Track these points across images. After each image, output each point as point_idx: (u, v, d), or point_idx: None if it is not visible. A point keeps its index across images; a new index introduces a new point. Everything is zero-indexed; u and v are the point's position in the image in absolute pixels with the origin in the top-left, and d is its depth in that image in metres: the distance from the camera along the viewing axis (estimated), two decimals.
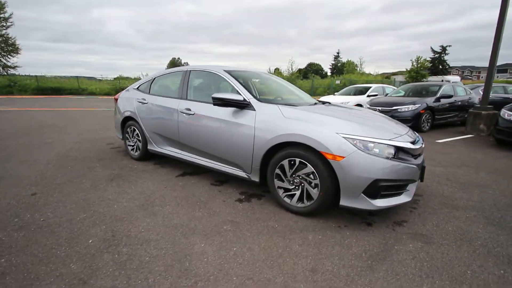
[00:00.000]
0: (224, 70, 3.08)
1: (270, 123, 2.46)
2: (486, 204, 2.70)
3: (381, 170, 2.04)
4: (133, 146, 4.07)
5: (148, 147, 3.79)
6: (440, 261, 1.80)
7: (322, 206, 2.25)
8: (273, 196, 2.58)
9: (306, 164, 2.25)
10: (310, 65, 70.53)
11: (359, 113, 2.83)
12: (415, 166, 2.21)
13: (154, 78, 3.87)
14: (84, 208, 2.48)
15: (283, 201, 2.48)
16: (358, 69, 43.42)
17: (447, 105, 7.50)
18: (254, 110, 2.61)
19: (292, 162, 2.35)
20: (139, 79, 27.06)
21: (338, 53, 63.71)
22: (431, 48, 50.36)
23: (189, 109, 3.11)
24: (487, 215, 2.46)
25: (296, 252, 1.87)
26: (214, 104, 2.73)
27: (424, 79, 30.54)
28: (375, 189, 2.06)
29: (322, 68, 66.93)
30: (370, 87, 10.09)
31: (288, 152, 2.34)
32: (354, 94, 10.22)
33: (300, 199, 2.37)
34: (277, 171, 2.46)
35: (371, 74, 39.97)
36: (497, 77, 55.04)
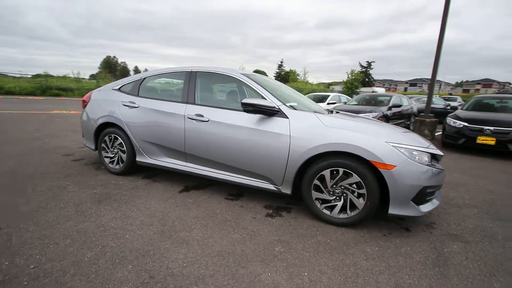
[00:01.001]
0: (242, 74, 2.83)
1: (309, 131, 2.32)
2: (478, 201, 3.09)
3: (427, 177, 2.12)
4: (112, 158, 3.40)
5: (137, 159, 3.21)
6: (488, 258, 1.94)
7: (368, 216, 2.22)
8: (308, 208, 2.44)
9: (352, 174, 2.19)
10: (257, 72, 72.75)
11: (379, 122, 2.93)
12: (444, 171, 2.37)
13: (144, 78, 3.32)
14: (86, 243, 1.91)
15: (321, 213, 2.36)
16: (301, 78, 46.46)
17: (397, 113, 8.54)
18: (287, 117, 2.44)
19: (335, 172, 2.26)
20: (67, 77, 23.58)
21: (281, 62, 66.97)
22: (359, 63, 57.37)
23: (201, 115, 2.74)
24: (486, 211, 2.80)
25: (368, 269, 1.77)
26: (244, 111, 2.46)
27: (357, 90, 34.47)
28: (422, 195, 2.13)
29: (268, 76, 69.82)
30: (329, 95, 10.83)
31: (332, 162, 2.24)
32: (317, 101, 10.81)
33: (342, 210, 2.30)
34: (316, 182, 2.33)
35: (312, 83, 43.21)
36: (409, 90, 66.37)
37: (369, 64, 58.51)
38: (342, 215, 2.29)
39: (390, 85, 70.42)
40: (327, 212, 2.34)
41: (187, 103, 2.89)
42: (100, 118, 3.34)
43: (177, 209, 2.53)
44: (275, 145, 2.42)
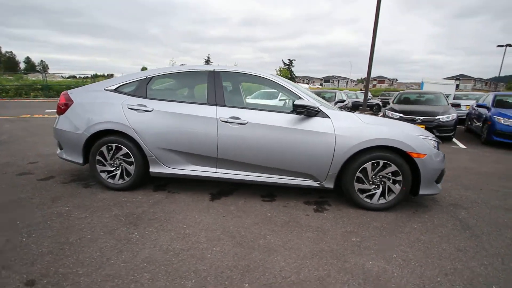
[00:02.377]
0: (271, 74, 2.82)
1: (353, 129, 2.55)
2: (472, 196, 3.92)
3: (442, 160, 2.64)
4: (112, 172, 2.88)
5: (152, 170, 2.82)
6: (487, 218, 2.57)
7: (402, 199, 2.62)
8: (351, 199, 2.67)
9: (390, 164, 2.53)
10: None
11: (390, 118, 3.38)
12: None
13: (152, 77, 2.90)
14: (171, 273, 1.65)
15: (363, 202, 2.63)
16: None
17: (341, 108, 9.76)
18: (328, 117, 2.60)
19: (375, 164, 2.56)
20: None
21: (208, 57, 65.90)
22: (282, 60, 61.65)
23: (237, 118, 2.62)
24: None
25: (430, 241, 2.12)
26: (297, 112, 2.49)
27: None
28: (441, 176, 2.64)
29: None
30: (280, 92, 11.41)
31: (374, 155, 2.53)
32: (268, 98, 11.22)
33: (381, 196, 2.63)
34: (359, 174, 2.59)
35: None
36: (323, 85, 75.14)
37: (291, 62, 63.52)
38: (381, 201, 2.63)
39: (309, 81, 78.35)
40: (368, 200, 2.64)
41: (216, 105, 2.71)
42: (94, 126, 2.76)
43: (228, 218, 2.40)
44: (321, 143, 2.56)
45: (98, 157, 2.85)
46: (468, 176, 3.86)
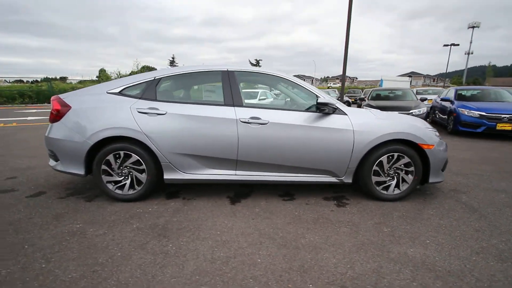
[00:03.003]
0: (287, 74, 2.81)
1: (370, 125, 2.65)
2: (463, 181, 4.27)
3: (446, 150, 2.87)
4: (120, 182, 2.65)
5: (166, 177, 2.65)
6: (485, 201, 2.85)
7: (414, 188, 2.79)
8: (368, 192, 2.78)
9: (404, 156, 2.69)
10: (145, 68, 66.45)
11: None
12: None
13: (160, 78, 2.71)
14: (227, 282, 1.57)
15: (380, 194, 2.76)
16: None
17: None
18: (345, 114, 2.68)
19: (390, 157, 2.70)
20: None
21: (173, 58, 63.76)
22: (249, 60, 62.05)
23: (258, 118, 2.58)
24: (477, 185, 3.96)
25: (450, 225, 2.29)
26: (320, 110, 2.52)
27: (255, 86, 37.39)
28: (445, 165, 2.87)
29: None
30: (258, 92, 11.45)
31: (389, 148, 2.66)
32: (246, 99, 11.20)
33: (396, 187, 2.78)
34: (375, 167, 2.71)
35: None
36: None
37: (258, 61, 64.26)
38: (395, 192, 2.78)
39: None
40: (384, 191, 2.77)
41: (233, 105, 2.63)
42: (99, 133, 2.52)
43: (258, 220, 2.35)
44: (341, 140, 2.62)
45: (103, 167, 2.60)
46: (453, 163, 4.25)
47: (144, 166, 2.62)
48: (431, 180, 2.78)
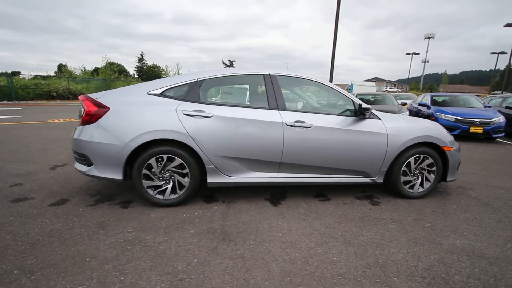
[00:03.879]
0: (324, 80, 2.93)
1: (401, 129, 2.87)
2: (463, 179, 4.71)
3: (459, 151, 3.20)
4: (161, 186, 2.56)
5: (210, 180, 2.61)
6: (492, 197, 3.24)
7: (435, 186, 3.08)
8: (396, 191, 3.00)
9: (428, 157, 2.96)
10: (111, 64, 62.60)
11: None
12: None
13: (203, 80, 2.65)
14: (323, 283, 1.63)
15: (407, 192, 3.00)
16: (173, 73, 43.99)
17: None
18: (379, 118, 2.87)
19: (417, 158, 2.95)
20: None
21: (142, 55, 60.80)
22: (222, 61, 61.60)
23: (302, 121, 2.66)
24: (477, 182, 4.38)
25: (479, 218, 2.58)
26: (362, 115, 2.66)
27: None
28: (459, 164, 3.20)
29: (126, 70, 61.48)
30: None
31: (417, 150, 2.91)
32: None
33: (420, 185, 3.04)
34: (404, 168, 2.94)
35: None
36: None
37: (231, 62, 64.05)
38: (419, 190, 3.04)
39: None
40: (410, 190, 3.02)
41: (278, 109, 2.68)
42: (143, 135, 2.40)
43: (309, 221, 2.43)
44: (376, 143, 2.81)
45: (144, 171, 2.49)
46: None
47: (187, 170, 2.55)
48: (448, 179, 3.09)
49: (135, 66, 58.79)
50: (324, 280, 1.65)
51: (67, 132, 6.43)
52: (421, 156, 2.95)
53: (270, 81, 2.76)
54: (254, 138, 2.60)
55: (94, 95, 2.59)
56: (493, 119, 6.91)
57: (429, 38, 56.97)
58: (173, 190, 2.60)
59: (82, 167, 2.56)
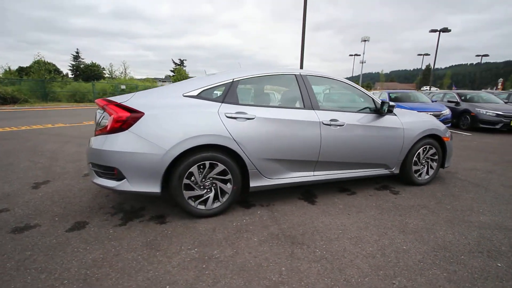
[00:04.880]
0: (346, 79, 3.05)
1: (414, 123, 3.17)
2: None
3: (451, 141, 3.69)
4: (203, 195, 2.37)
5: (252, 185, 2.51)
6: (486, 183, 3.81)
7: (437, 173, 3.49)
8: (408, 180, 3.31)
9: (432, 148, 3.34)
10: (38, 62, 54.38)
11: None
12: None
13: (239, 81, 2.51)
14: (411, 269, 1.72)
15: (416, 180, 3.33)
16: (120, 74, 39.99)
17: None
18: (395, 114, 3.13)
19: (425, 149, 3.30)
20: None
21: (78, 52, 54.29)
22: (172, 60, 58.97)
23: (336, 120, 2.74)
24: (457, 167, 4.97)
25: (484, 201, 3.02)
26: (388, 112, 2.85)
27: None
28: (452, 153, 3.68)
29: (58, 69, 53.93)
30: None
31: (425, 142, 3.26)
32: None
33: (427, 173, 3.41)
34: (415, 158, 3.26)
35: (134, 78, 39.21)
36: None
37: (182, 61, 61.60)
38: (425, 177, 3.41)
39: None
40: (419, 178, 3.36)
41: (312, 109, 2.71)
42: (185, 142, 2.18)
43: (353, 215, 2.52)
44: (395, 136, 3.06)
45: (185, 181, 2.27)
46: None
47: (229, 176, 2.41)
48: (446, 165, 3.54)
49: (70, 64, 52.09)
50: (412, 268, 1.75)
51: (22, 143, 5.42)
52: (427, 147, 3.31)
53: (302, 81, 2.78)
54: (295, 138, 2.59)
55: (117, 99, 2.26)
56: (442, 112, 8.08)
57: (365, 41, 63.30)
58: (216, 199, 2.43)
59: (110, 182, 2.21)
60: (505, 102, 9.11)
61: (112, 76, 36.62)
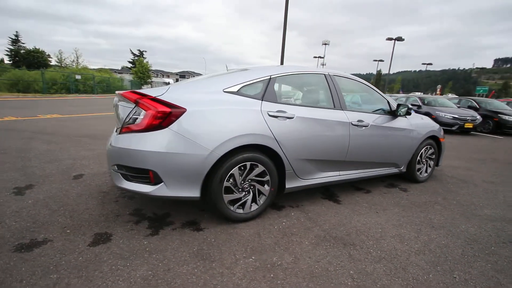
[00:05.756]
0: (367, 82, 3.12)
1: (420, 124, 3.40)
2: None
3: None
4: (241, 199, 2.23)
5: (288, 186, 2.44)
6: (474, 178, 4.25)
7: (433, 171, 3.80)
8: (413, 178, 3.54)
9: (431, 148, 3.63)
10: None
11: None
12: None
13: (276, 78, 2.39)
14: (459, 260, 1.83)
15: (418, 177, 3.59)
16: (71, 63, 35.67)
17: None
18: (406, 117, 3.31)
19: (426, 148, 3.57)
20: None
21: (17, 36, 47.47)
22: (131, 50, 55.02)
23: (362, 120, 2.80)
24: (445, 166, 5.39)
25: (474, 190, 3.38)
26: (407, 114, 2.99)
27: (149, 80, 33.81)
28: (444, 153, 4.03)
29: None
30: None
31: (427, 142, 3.52)
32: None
33: (425, 171, 3.69)
34: (418, 157, 3.51)
35: (87, 67, 35.55)
36: (180, 80, 74.05)
37: (141, 52, 57.79)
38: (424, 175, 3.69)
39: (163, 75, 74.51)
40: (420, 175, 3.63)
41: (341, 109, 2.72)
42: (229, 141, 2.01)
43: (382, 213, 2.62)
44: (406, 136, 3.25)
45: (226, 184, 2.10)
46: None
47: (268, 177, 2.30)
48: (439, 163, 3.88)
49: (7, 49, 45.19)
50: (461, 262, 1.87)
51: None
52: (428, 147, 3.59)
53: (332, 81, 2.77)
54: (328, 138, 2.58)
55: (150, 92, 1.99)
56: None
57: (325, 44, 66.63)
58: (254, 201, 2.30)
59: (143, 187, 1.93)
60: (458, 107, 10.38)
61: (61, 64, 32.67)
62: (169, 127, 1.89)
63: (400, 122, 3.22)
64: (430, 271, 1.76)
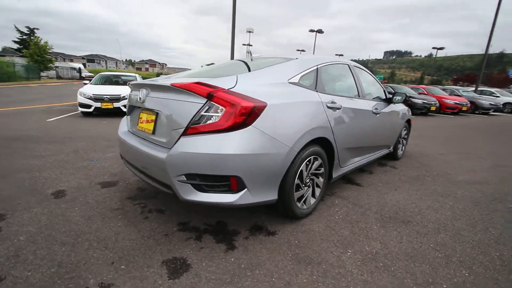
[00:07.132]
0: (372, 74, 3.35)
1: (402, 110, 3.90)
2: None
3: None
4: (304, 194, 2.16)
5: (334, 175, 2.47)
6: (446, 166, 5.11)
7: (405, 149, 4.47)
8: (395, 154, 4.08)
9: (406, 129, 4.25)
10: None
11: None
12: None
13: (322, 68, 2.32)
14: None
15: (398, 154, 4.17)
16: None
17: None
18: (394, 103, 3.75)
19: (404, 129, 4.16)
20: None
21: None
22: (16, 26, 43.86)
23: (377, 108, 3.03)
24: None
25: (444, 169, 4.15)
26: (405, 102, 3.36)
27: (50, 65, 27.99)
28: None
29: None
30: (135, 76, 9.23)
31: (405, 125, 4.10)
32: (116, 84, 8.69)
33: (401, 149, 4.31)
34: (398, 138, 4.07)
35: None
36: (88, 66, 62.92)
37: (32, 30, 46.53)
38: (401, 152, 4.31)
39: (64, 59, 61.63)
40: (400, 153, 4.22)
41: (364, 98, 2.88)
42: (304, 137, 1.89)
43: (400, 190, 2.95)
44: (397, 120, 3.72)
45: (297, 181, 1.99)
46: None
47: (322, 169, 2.29)
48: (408, 142, 4.59)
49: None
50: (483, 218, 2.31)
51: None
52: (405, 128, 4.20)
53: (355, 71, 2.89)
54: (363, 126, 2.73)
55: (218, 83, 1.66)
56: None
57: (249, 32, 67.64)
58: (312, 196, 2.25)
59: (225, 197, 1.64)
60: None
61: None
62: (253, 124, 1.64)
63: (394, 108, 3.65)
64: (474, 229, 2.13)
